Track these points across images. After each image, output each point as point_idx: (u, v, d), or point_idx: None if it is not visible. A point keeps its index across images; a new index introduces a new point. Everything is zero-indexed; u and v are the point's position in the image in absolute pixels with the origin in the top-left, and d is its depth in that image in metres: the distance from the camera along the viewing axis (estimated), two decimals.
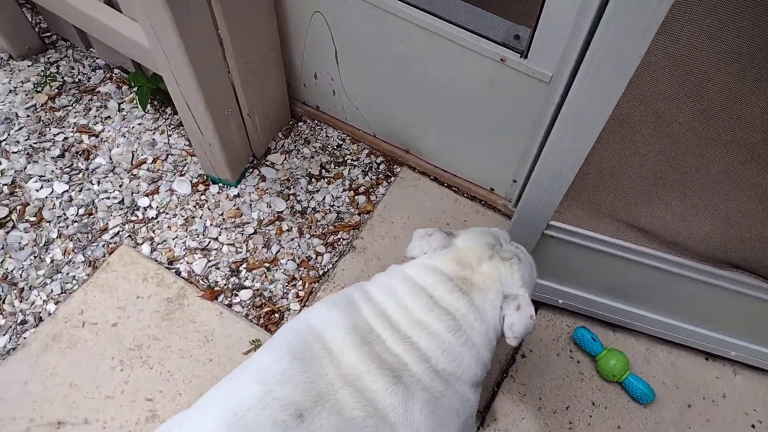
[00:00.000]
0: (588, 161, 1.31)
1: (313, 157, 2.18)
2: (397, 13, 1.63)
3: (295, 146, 2.21)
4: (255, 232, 2.02)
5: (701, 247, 1.46)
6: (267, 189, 2.10)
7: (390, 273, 1.25)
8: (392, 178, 2.14)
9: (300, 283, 1.92)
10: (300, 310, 1.85)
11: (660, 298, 1.68)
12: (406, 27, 1.65)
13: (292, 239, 2.01)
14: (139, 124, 2.27)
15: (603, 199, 1.45)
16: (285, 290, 1.91)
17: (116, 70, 2.41)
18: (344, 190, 2.11)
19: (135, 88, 2.34)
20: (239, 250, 1.98)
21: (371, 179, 2.14)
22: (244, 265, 1.95)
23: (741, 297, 1.55)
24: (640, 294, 1.69)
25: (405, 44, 1.72)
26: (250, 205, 2.07)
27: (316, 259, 1.97)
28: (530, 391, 1.76)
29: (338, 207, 2.08)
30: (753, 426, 1.67)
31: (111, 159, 2.17)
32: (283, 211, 2.06)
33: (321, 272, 1.94)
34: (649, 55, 1.05)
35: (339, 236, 2.01)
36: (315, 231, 2.02)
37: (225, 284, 1.91)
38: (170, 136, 2.24)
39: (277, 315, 1.86)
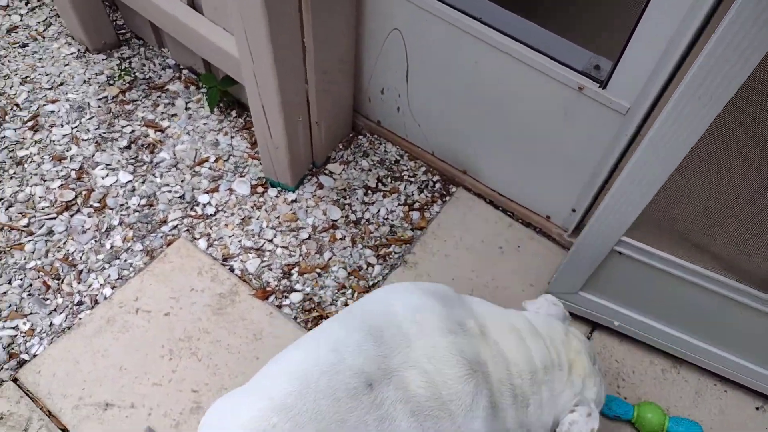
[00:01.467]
0: (671, 189, 1.34)
1: (370, 170, 2.22)
2: (476, 34, 1.67)
3: (354, 158, 2.25)
4: (309, 238, 2.05)
5: None
6: (324, 197, 2.14)
7: (498, 307, 1.35)
8: (447, 198, 2.17)
9: (349, 291, 1.94)
10: None
11: (724, 331, 1.66)
12: (483, 48, 1.69)
13: (345, 248, 2.03)
14: (204, 124, 2.34)
15: (684, 226, 1.45)
16: (334, 297, 1.92)
17: (186, 71, 2.50)
18: (399, 204, 2.14)
19: (204, 89, 2.42)
20: (293, 253, 2.01)
21: (426, 196, 2.17)
22: (296, 269, 1.97)
23: None
24: (704, 325, 1.67)
25: (480, 65, 1.76)
26: (307, 210, 2.11)
27: (366, 269, 1.99)
28: None
29: (392, 221, 2.10)
30: None
31: (175, 155, 2.23)
32: (337, 220, 2.09)
33: (371, 283, 1.96)
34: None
35: (391, 249, 2.03)
36: (368, 242, 2.05)
37: (276, 285, 1.94)
38: (233, 138, 2.30)
39: (324, 321, 1.87)
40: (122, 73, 2.45)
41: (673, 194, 1.37)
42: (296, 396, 1.05)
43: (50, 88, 2.37)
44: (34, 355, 1.75)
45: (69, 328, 1.81)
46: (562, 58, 1.57)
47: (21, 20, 2.60)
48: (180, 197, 2.12)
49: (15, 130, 2.23)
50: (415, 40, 1.87)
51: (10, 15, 2.61)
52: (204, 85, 2.40)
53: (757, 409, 1.76)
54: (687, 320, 1.70)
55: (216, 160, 2.23)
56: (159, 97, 2.41)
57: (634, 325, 1.77)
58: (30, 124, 2.25)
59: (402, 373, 1.09)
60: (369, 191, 2.17)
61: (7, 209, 2.03)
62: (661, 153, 1.23)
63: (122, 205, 2.08)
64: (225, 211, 2.10)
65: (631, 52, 1.41)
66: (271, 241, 2.03)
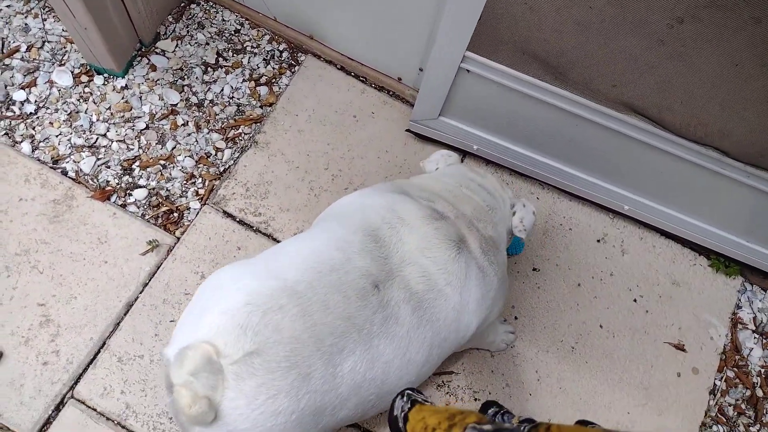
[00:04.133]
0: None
1: (208, 44, 2.00)
2: None
3: (188, 31, 2.02)
4: (147, 127, 1.88)
5: (609, 92, 1.54)
6: (158, 79, 1.94)
7: (423, 177, 1.47)
8: (296, 67, 2.01)
9: (199, 180, 1.83)
10: (200, 210, 1.78)
11: (569, 147, 1.77)
12: None
13: (189, 134, 1.88)
14: (8, 6, 2.00)
15: (521, 36, 1.48)
16: (183, 188, 1.81)
17: None
18: (244, 80, 1.97)
19: None
20: (131, 146, 1.85)
21: (273, 68, 2.00)
22: (137, 163, 1.83)
23: (636, 144, 1.64)
24: (551, 143, 1.77)
25: None
26: (140, 97, 1.91)
27: (215, 155, 1.87)
28: None
29: (238, 99, 1.95)
30: (635, 300, 1.79)
31: None
32: (177, 104, 1.91)
33: (222, 169, 1.85)
34: None
35: (240, 131, 1.91)
36: (214, 125, 1.90)
37: (117, 184, 1.80)
38: (45, 20, 1.99)
39: (176, 214, 1.78)
40: None
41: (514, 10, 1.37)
42: (307, 285, 1.07)
43: None
44: None
45: None
46: None
47: None
48: None
49: None
50: None
51: None
52: None
53: (598, 241, 1.88)
54: (537, 140, 1.79)
55: (28, 49, 1.94)
56: None
57: (492, 149, 1.86)
58: None
59: (402, 272, 1.17)
60: (209, 68, 1.97)
61: None
62: None
63: None
64: (48, 108, 1.87)
65: None
66: (104, 135, 1.85)
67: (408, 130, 1.93)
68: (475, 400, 1.63)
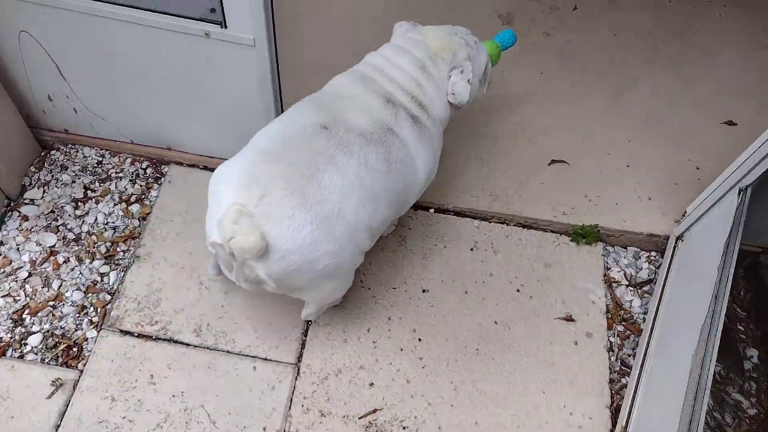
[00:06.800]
0: None
1: (74, 182, 2.10)
2: (97, 13, 1.63)
3: (53, 175, 2.10)
4: (30, 275, 1.91)
5: None
6: (32, 227, 1.99)
7: (374, 54, 1.67)
8: (162, 179, 2.13)
9: (91, 309, 1.86)
10: (97, 336, 1.80)
11: None
12: (110, 25, 1.65)
13: (72, 269, 1.93)
14: None
15: None
16: (77, 321, 1.84)
17: None
18: (115, 204, 2.06)
19: None
20: (17, 298, 1.87)
21: (141, 185, 2.11)
22: (27, 311, 1.84)
23: None
24: None
25: (117, 42, 1.71)
26: (18, 248, 1.95)
27: (102, 280, 1.92)
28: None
29: (113, 222, 2.03)
30: (518, 290, 1.93)
31: None
32: (55, 245, 1.97)
33: (111, 292, 1.90)
34: None
35: (119, 249, 1.97)
36: (95, 253, 1.96)
37: (11, 337, 1.80)
38: None
39: (75, 348, 1.79)
40: None
41: None
42: (280, 145, 1.40)
43: None
44: None
45: None
46: (179, 10, 1.58)
47: None
48: None
49: None
50: (46, 36, 1.76)
51: None
52: None
53: (471, 249, 2.03)
54: None
55: None
56: None
57: None
58: None
59: (344, 116, 1.47)
60: (79, 203, 2.06)
61: None
62: None
63: None
64: None
65: None
66: None
67: None
68: (404, 429, 1.69)
